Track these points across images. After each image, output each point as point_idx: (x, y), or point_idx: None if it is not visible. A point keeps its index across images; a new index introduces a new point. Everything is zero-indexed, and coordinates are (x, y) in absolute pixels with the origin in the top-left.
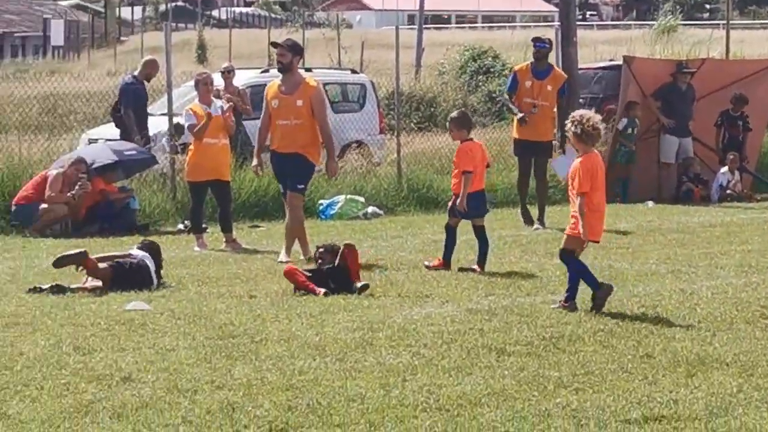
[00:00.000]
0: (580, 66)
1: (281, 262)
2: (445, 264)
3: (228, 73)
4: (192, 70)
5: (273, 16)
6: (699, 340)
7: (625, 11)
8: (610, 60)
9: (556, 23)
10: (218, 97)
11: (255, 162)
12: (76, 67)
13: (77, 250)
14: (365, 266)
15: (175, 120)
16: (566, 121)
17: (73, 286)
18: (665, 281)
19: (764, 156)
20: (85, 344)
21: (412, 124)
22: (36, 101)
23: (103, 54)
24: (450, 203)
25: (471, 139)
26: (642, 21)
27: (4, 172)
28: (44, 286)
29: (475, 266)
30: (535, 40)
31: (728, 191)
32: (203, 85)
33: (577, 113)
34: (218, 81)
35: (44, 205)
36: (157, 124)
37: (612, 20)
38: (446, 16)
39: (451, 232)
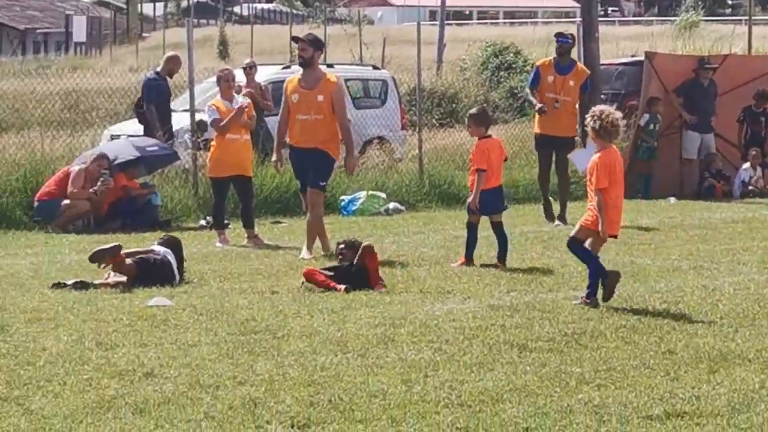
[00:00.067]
0: (601, 62)
1: (303, 259)
2: (468, 261)
3: (250, 69)
4: (214, 66)
5: (294, 12)
6: (721, 336)
7: (647, 7)
8: (632, 56)
9: (578, 19)
10: (239, 93)
11: (275, 157)
12: (98, 64)
13: (112, 244)
14: (386, 262)
15: (198, 116)
16: (586, 116)
17: (96, 281)
18: (687, 277)
19: None
20: (107, 340)
21: (433, 120)
22: (58, 97)
23: (125, 50)
24: (467, 201)
25: (489, 136)
26: (664, 17)
27: (27, 168)
28: (68, 282)
29: (497, 262)
30: (558, 35)
31: (750, 187)
32: (224, 82)
33: (597, 108)
34: (240, 77)
35: (66, 201)
36: (179, 120)
37: (634, 16)
38: (468, 12)
39: (472, 229)
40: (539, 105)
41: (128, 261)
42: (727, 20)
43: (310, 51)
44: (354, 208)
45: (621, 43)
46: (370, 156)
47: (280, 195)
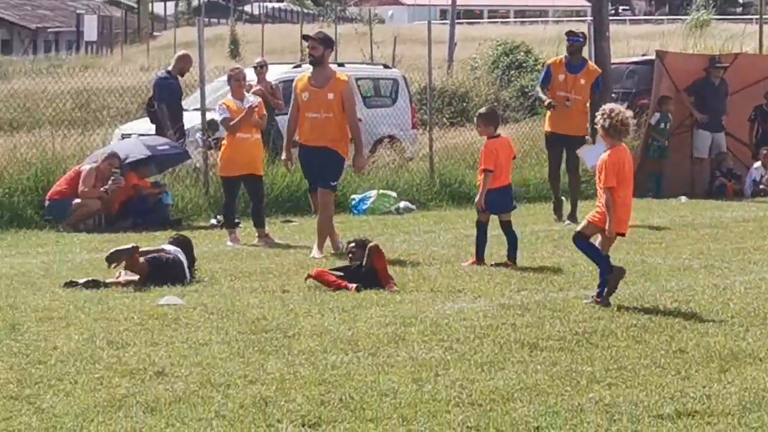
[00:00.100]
0: (612, 61)
1: (313, 258)
2: (478, 260)
3: (261, 68)
4: (225, 66)
5: (305, 11)
6: (732, 335)
7: (658, 6)
8: (643, 55)
9: (589, 18)
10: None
11: (285, 156)
12: (109, 63)
13: (129, 245)
14: (397, 261)
15: (209, 115)
16: (596, 113)
17: (108, 280)
18: (698, 276)
19: None
20: (118, 339)
21: (444, 119)
22: (69, 96)
23: (136, 49)
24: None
25: (498, 136)
26: (675, 15)
27: (38, 167)
28: (80, 281)
29: (507, 261)
30: (569, 33)
31: (761, 186)
32: (235, 81)
33: (607, 106)
34: (251, 76)
35: (77, 200)
36: (190, 119)
37: (644, 15)
38: (478, 11)
39: (482, 227)
40: (548, 100)
41: (140, 260)
42: (738, 19)
43: (320, 49)
44: (365, 207)
45: (632, 41)
46: (381, 155)
47: (291, 194)
